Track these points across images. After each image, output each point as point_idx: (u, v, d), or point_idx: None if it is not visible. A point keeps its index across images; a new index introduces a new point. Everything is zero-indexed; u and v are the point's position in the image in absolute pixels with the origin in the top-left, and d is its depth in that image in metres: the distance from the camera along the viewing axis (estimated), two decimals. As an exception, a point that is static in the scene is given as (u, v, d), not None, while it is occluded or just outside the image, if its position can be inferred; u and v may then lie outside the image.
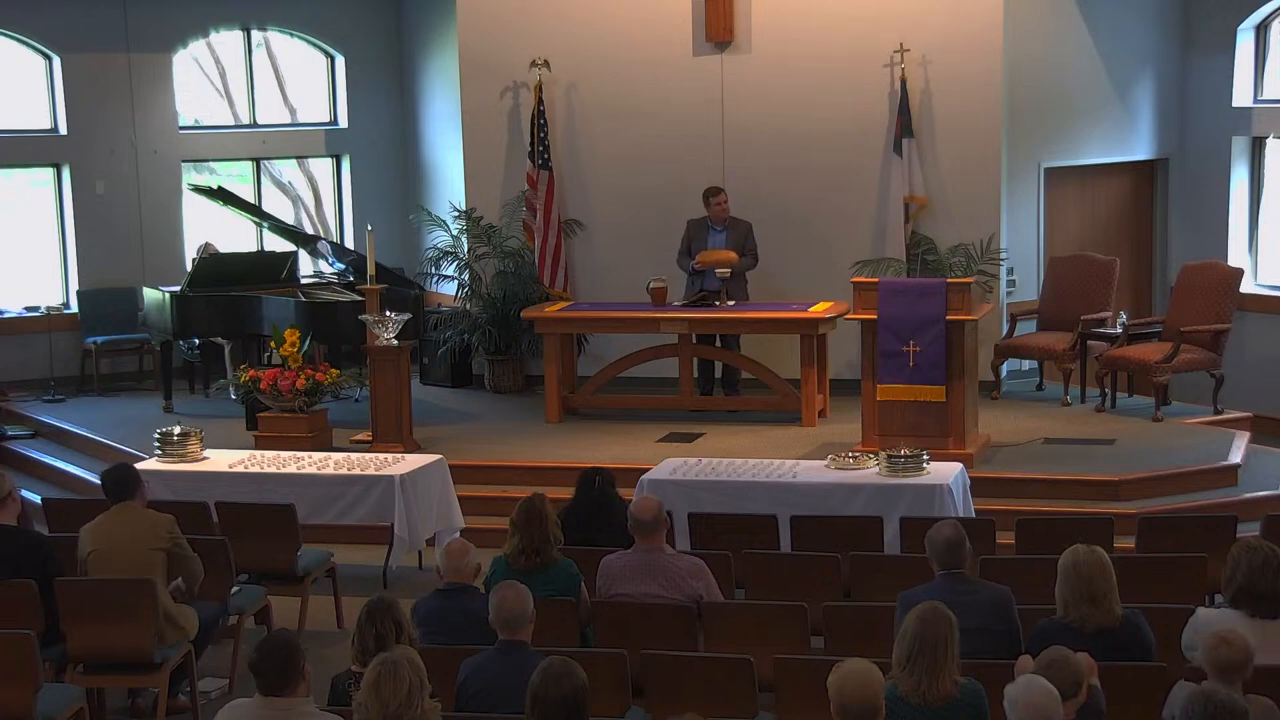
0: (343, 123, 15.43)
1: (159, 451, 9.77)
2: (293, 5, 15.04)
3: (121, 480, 7.64)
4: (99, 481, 7.96)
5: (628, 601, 7.03)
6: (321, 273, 14.18)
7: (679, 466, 9.35)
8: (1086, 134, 13.15)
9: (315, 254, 14.02)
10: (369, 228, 11.64)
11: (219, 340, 13.33)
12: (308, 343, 11.58)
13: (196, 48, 14.85)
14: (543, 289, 12.92)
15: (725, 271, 11.85)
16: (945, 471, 8.95)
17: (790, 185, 12.62)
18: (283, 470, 9.57)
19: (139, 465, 9.77)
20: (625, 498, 8.27)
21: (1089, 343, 12.07)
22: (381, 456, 9.86)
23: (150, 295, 13.33)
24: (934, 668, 5.37)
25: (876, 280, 10.63)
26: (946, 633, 5.42)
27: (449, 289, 13.75)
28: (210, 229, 14.40)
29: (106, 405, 13.48)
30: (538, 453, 11.16)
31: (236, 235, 14.61)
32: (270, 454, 9.96)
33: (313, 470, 9.55)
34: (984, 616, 6.31)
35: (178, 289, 12.89)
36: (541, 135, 12.87)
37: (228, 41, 15.02)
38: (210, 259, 13.44)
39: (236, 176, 15.25)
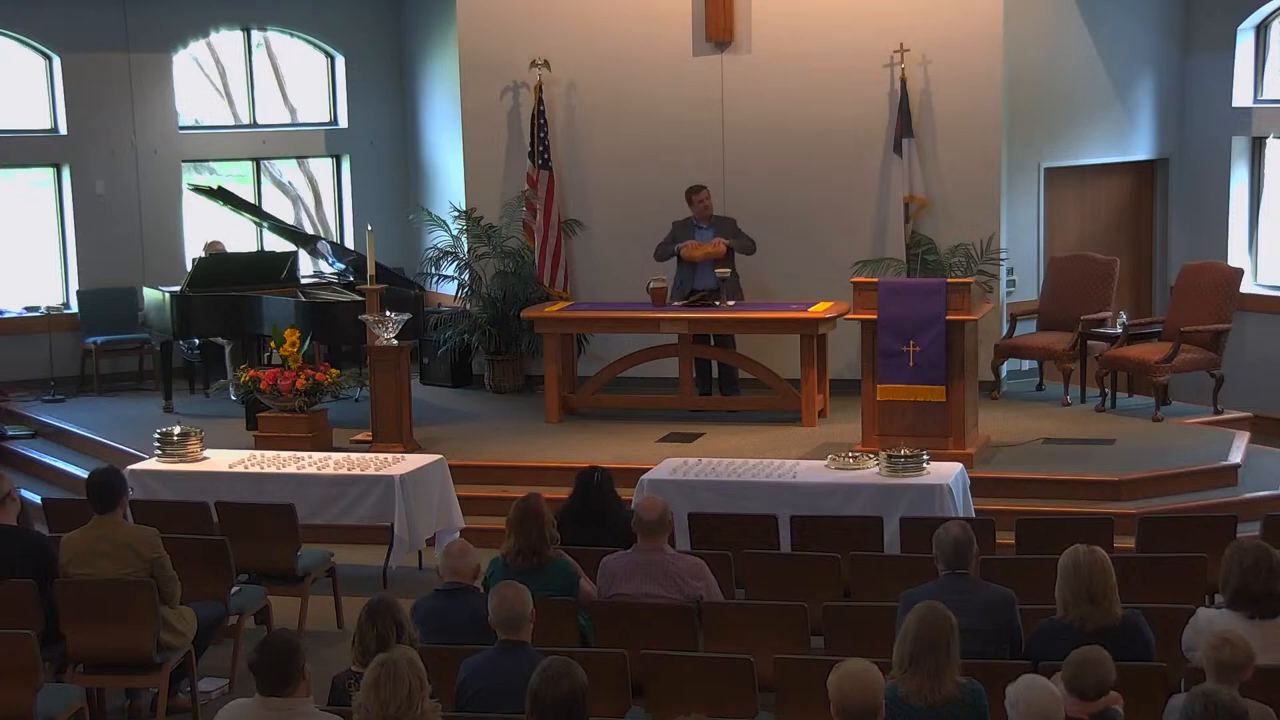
0: (343, 123, 15.43)
1: (159, 451, 9.77)
2: (293, 5, 15.04)
3: (104, 491, 7.48)
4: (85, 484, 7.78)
5: (628, 601, 7.03)
6: (321, 273, 14.19)
7: (679, 466, 9.35)
8: (1086, 134, 13.15)
9: (315, 254, 14.02)
10: (369, 228, 11.64)
11: (219, 340, 13.33)
12: (308, 343, 11.58)
13: (196, 48, 14.85)
14: (543, 289, 12.92)
15: (725, 271, 11.85)
16: (945, 471, 8.95)
17: (790, 185, 12.62)
18: (283, 470, 9.57)
19: (139, 465, 9.82)
20: (625, 498, 8.29)
21: (1089, 343, 12.07)
22: (381, 456, 9.86)
23: (150, 295, 13.34)
24: (937, 670, 5.37)
25: (876, 280, 10.63)
26: (948, 634, 5.42)
27: (449, 289, 13.75)
28: (211, 229, 14.39)
29: (106, 405, 13.48)
30: (538, 453, 11.16)
31: (236, 235, 14.60)
32: (270, 454, 9.95)
33: (313, 470, 9.55)
34: (986, 617, 6.31)
35: (178, 289, 12.89)
36: (541, 135, 12.86)
37: (228, 41, 15.02)
38: (210, 259, 13.44)
39: (236, 176, 15.25)
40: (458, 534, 9.50)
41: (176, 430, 9.90)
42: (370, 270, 11.18)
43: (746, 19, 12.65)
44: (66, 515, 8.54)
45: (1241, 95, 13.29)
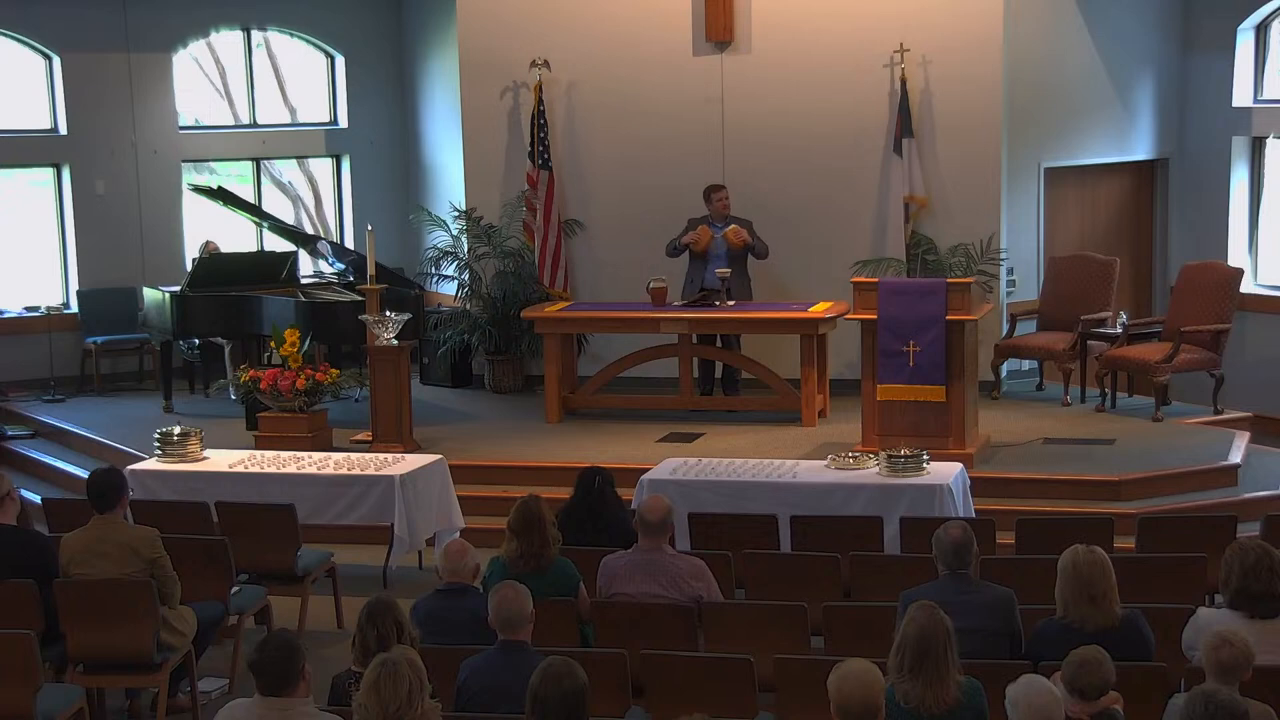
0: (343, 123, 15.43)
1: (159, 451, 9.76)
2: (293, 5, 15.04)
3: (105, 490, 7.47)
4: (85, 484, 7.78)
5: (628, 601, 7.03)
6: (321, 273, 14.20)
7: (679, 466, 9.36)
8: (1086, 134, 13.16)
9: (315, 254, 14.03)
10: (369, 228, 11.64)
11: (219, 340, 13.33)
12: (308, 343, 11.58)
13: (196, 48, 14.85)
14: (543, 289, 12.92)
15: (725, 272, 11.86)
16: (945, 471, 8.95)
17: (790, 185, 12.63)
18: (283, 470, 9.56)
19: (139, 465, 9.82)
20: (625, 498, 8.30)
21: (1089, 343, 12.07)
22: (381, 456, 9.86)
23: (150, 295, 13.34)
24: (938, 676, 5.35)
25: (876, 280, 10.63)
26: (945, 638, 5.40)
27: (449, 289, 13.75)
28: (210, 229, 14.40)
29: (106, 405, 13.48)
30: (538, 453, 11.16)
31: (236, 235, 14.60)
32: (270, 454, 9.95)
33: (313, 470, 9.55)
34: (986, 618, 6.31)
35: (178, 289, 12.89)
36: (541, 135, 12.87)
37: (228, 41, 15.02)
38: (210, 258, 13.44)
39: (236, 176, 15.25)
40: (458, 534, 9.50)
41: (176, 430, 9.90)
42: (370, 270, 11.18)
43: (746, 19, 12.65)
44: (66, 515, 8.54)
45: (1241, 95, 13.29)
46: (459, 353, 13.44)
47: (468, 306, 13.32)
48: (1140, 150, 13.56)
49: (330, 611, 8.94)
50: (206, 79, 15.12)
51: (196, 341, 13.42)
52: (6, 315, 14.22)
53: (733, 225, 12.00)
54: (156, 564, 7.38)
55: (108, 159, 14.36)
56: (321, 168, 15.65)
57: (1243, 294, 12.27)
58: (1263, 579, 6.01)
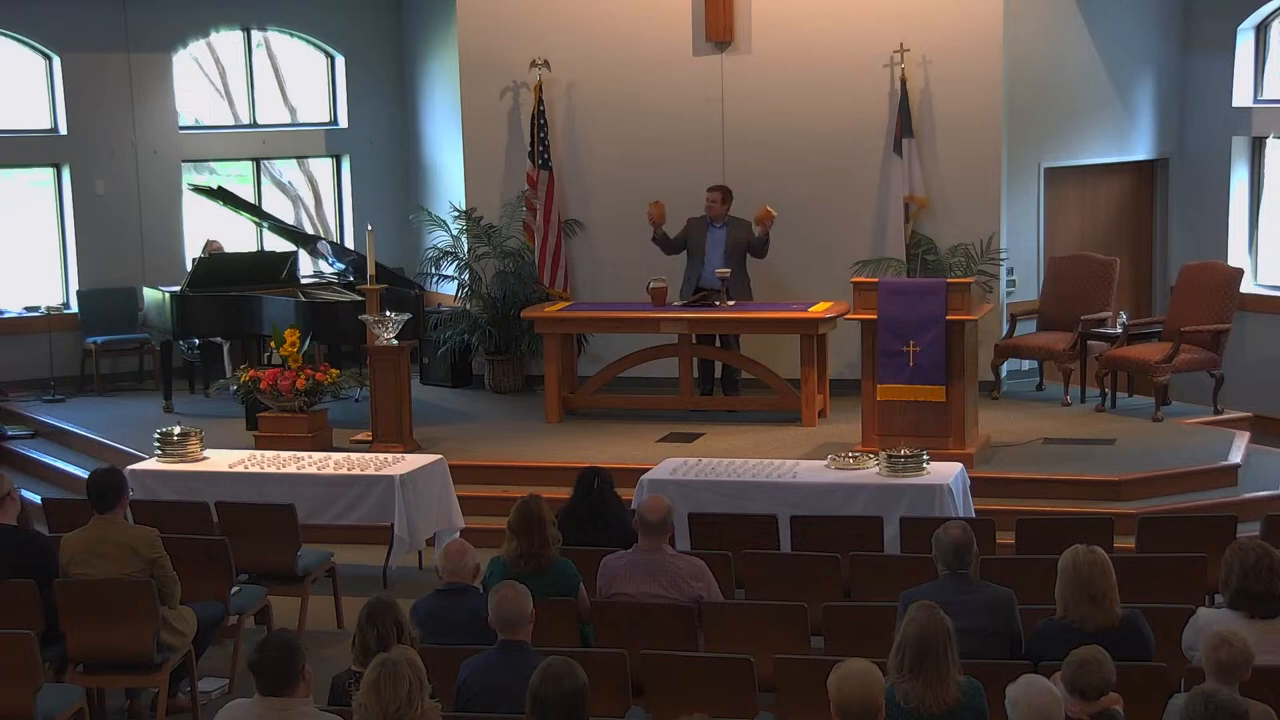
0: (343, 123, 15.43)
1: (159, 451, 9.76)
2: (293, 5, 15.04)
3: (105, 490, 7.47)
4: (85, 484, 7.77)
5: (628, 601, 7.03)
6: (321, 273, 14.20)
7: (679, 466, 9.36)
8: (1086, 134, 13.16)
9: (315, 254, 14.03)
10: (369, 228, 11.64)
11: (219, 340, 13.33)
12: (308, 343, 11.58)
13: (196, 48, 14.85)
14: (543, 289, 12.93)
15: (725, 272, 11.86)
16: (945, 471, 8.95)
17: (790, 185, 12.62)
18: (283, 470, 9.56)
19: (139, 465, 9.82)
20: (624, 498, 8.30)
21: (1089, 343, 12.07)
22: (381, 456, 9.86)
23: (150, 295, 13.34)
24: (938, 676, 5.36)
25: (876, 280, 10.63)
26: (945, 639, 5.40)
27: (449, 289, 13.75)
28: (210, 229, 14.39)
29: (106, 405, 13.48)
30: (538, 453, 11.16)
31: (236, 235, 14.60)
32: (270, 454, 9.95)
33: (313, 470, 9.55)
34: (986, 618, 6.31)
35: (178, 289, 12.89)
36: (541, 135, 12.87)
37: (228, 41, 15.02)
38: (210, 258, 13.44)
39: (236, 176, 15.25)
40: (458, 534, 9.50)
41: (176, 430, 9.90)
42: (370, 270, 11.19)
43: (746, 19, 12.65)
44: (66, 515, 8.54)
45: (1241, 95, 13.29)
46: (459, 353, 13.44)
47: (468, 306, 13.32)
48: (1140, 150, 13.56)
49: (330, 611, 8.94)
50: (206, 79, 15.11)
51: (196, 341, 13.42)
52: (6, 315, 14.22)
53: (762, 206, 11.92)
54: (156, 564, 7.38)
55: (108, 159, 14.36)
56: (321, 168, 15.65)
57: (1243, 294, 12.27)
58: (1263, 579, 6.01)
